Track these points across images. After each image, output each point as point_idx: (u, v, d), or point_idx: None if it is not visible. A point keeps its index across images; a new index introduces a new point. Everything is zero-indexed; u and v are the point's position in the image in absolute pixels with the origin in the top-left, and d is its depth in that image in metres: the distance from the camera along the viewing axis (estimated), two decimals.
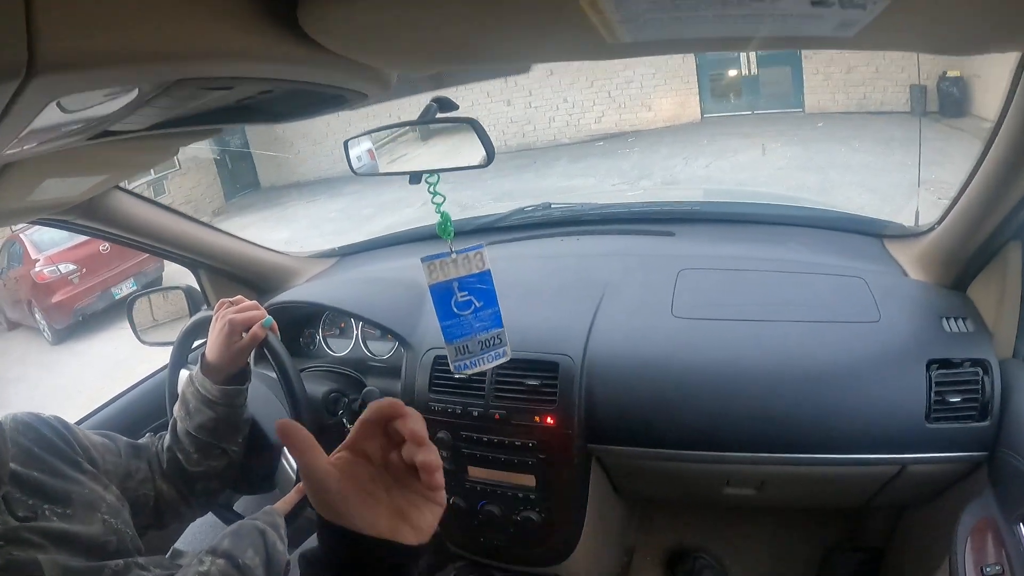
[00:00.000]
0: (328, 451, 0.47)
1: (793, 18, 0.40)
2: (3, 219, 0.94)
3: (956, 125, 6.48)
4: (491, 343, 0.98)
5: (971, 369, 0.95)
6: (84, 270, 5.81)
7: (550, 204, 1.51)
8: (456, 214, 0.94)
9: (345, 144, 1.06)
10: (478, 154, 0.88)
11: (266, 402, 1.07)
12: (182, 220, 1.32)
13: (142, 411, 1.32)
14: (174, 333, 1.10)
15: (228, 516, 1.07)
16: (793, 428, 0.97)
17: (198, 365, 0.93)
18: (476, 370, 0.99)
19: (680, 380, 1.00)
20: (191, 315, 1.30)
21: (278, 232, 7.13)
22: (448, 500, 1.17)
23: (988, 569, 0.83)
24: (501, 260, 1.29)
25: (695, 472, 1.06)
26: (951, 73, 7.40)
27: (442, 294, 0.95)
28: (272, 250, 1.49)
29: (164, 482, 0.90)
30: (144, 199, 1.24)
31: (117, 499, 0.76)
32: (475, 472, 1.11)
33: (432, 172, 0.91)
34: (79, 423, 1.07)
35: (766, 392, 0.97)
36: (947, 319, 1.00)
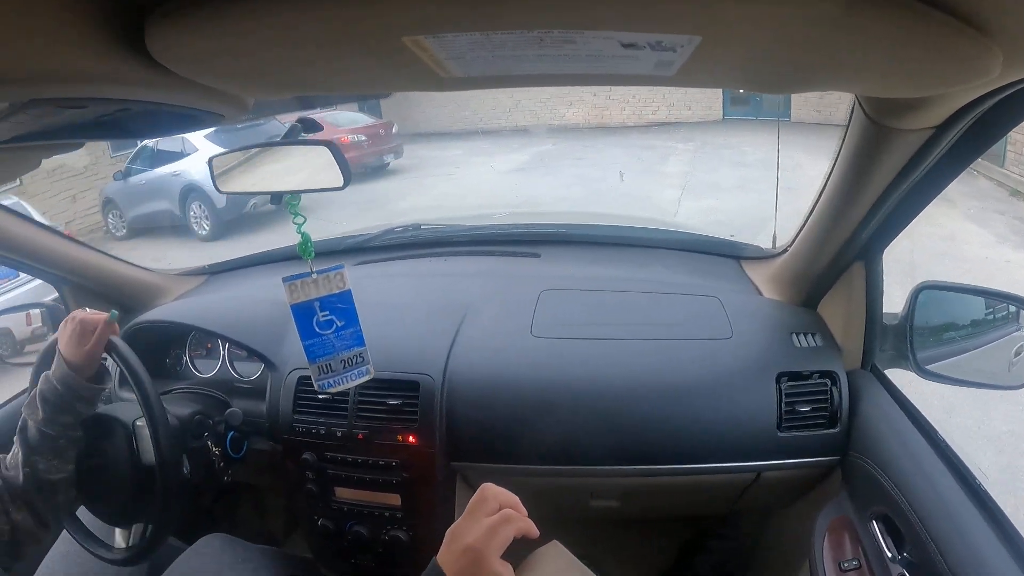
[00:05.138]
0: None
1: (610, 59, 0.43)
2: None
3: None
4: (353, 361, 0.99)
5: (819, 380, 1.00)
6: (369, 141, 8.49)
7: (419, 225, 1.52)
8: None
9: (209, 161, 1.05)
10: (336, 177, 0.90)
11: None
12: (43, 232, 1.21)
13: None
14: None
15: (79, 528, 1.01)
16: (651, 441, 1.00)
17: (55, 365, 0.91)
18: (339, 388, 0.99)
19: (538, 397, 1.02)
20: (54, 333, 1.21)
21: None
22: (316, 521, 1.15)
23: (845, 564, 0.88)
24: (367, 279, 1.28)
25: (559, 486, 1.09)
26: None
27: (303, 314, 0.96)
28: (139, 267, 1.40)
29: (18, 509, 0.88)
30: (2, 208, 1.14)
31: None
32: (342, 493, 1.10)
33: (291, 193, 0.93)
34: None
35: (624, 407, 1.00)
36: (797, 335, 1.06)
